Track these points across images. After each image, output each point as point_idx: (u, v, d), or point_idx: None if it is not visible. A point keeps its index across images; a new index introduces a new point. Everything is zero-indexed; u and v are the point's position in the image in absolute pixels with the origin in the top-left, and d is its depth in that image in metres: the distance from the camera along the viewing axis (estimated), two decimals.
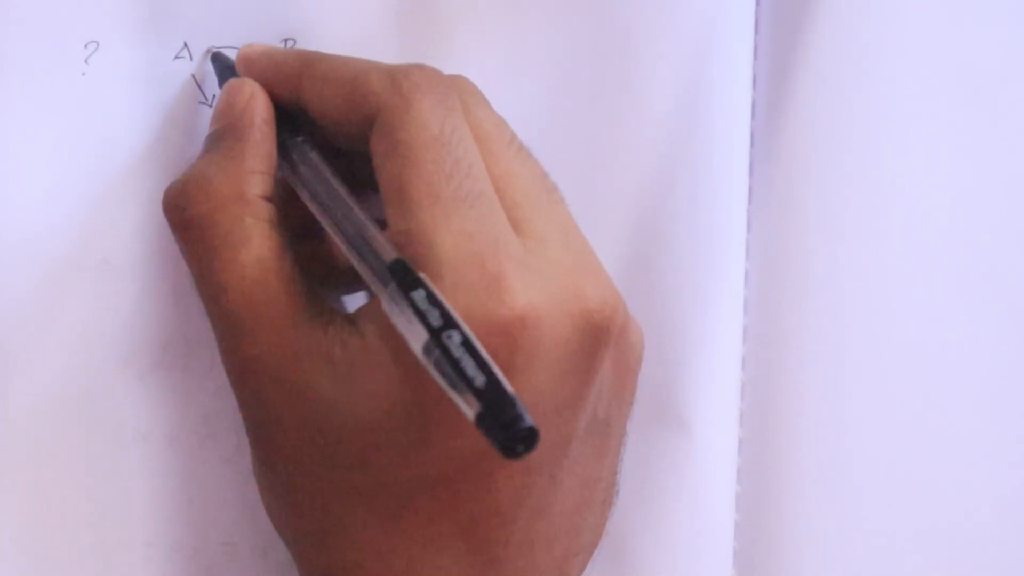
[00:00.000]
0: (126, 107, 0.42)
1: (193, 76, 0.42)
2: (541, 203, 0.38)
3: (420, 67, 0.38)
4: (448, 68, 0.39)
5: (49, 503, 0.42)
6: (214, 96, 0.42)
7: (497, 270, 0.35)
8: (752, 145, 0.48)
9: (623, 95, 0.46)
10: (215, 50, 0.42)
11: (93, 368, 0.42)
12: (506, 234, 0.36)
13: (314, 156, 0.40)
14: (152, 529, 0.43)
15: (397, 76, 0.37)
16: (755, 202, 0.48)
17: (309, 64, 0.40)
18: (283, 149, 0.40)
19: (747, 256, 0.48)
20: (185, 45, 0.42)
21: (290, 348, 0.37)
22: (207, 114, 0.42)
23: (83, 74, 0.41)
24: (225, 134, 0.40)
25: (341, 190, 0.38)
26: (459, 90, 0.38)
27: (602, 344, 0.37)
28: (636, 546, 0.46)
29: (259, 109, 0.40)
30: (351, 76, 0.38)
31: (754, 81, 0.48)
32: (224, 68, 0.42)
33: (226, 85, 0.41)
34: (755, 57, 0.48)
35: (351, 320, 0.37)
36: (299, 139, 0.40)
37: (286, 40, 0.43)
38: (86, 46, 0.41)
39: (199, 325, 0.42)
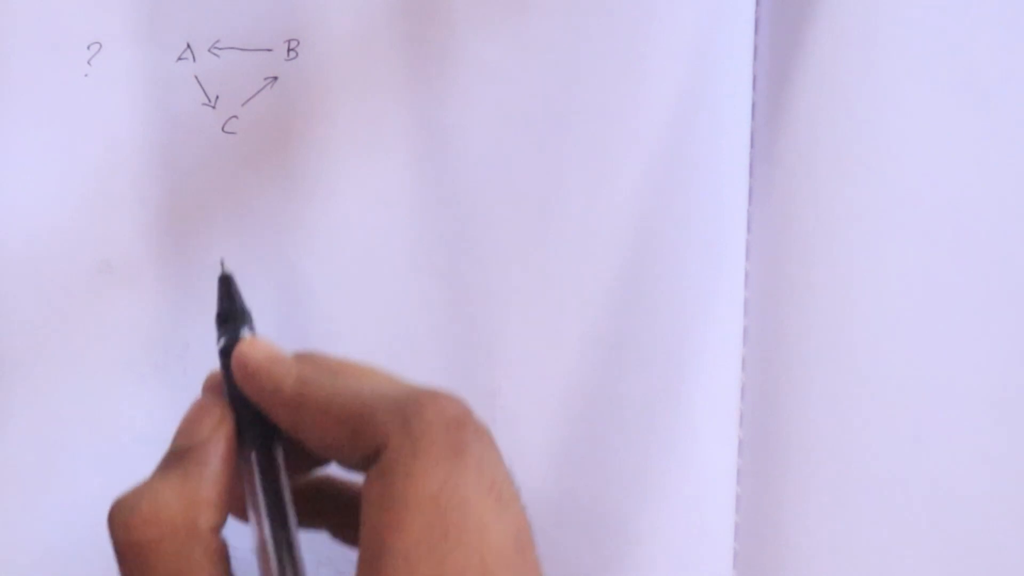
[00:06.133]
0: (128, 108, 0.41)
1: (196, 77, 0.42)
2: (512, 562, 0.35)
3: (434, 398, 0.35)
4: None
5: (49, 504, 0.42)
6: (217, 97, 0.42)
7: None
8: (752, 145, 0.48)
9: (623, 95, 0.46)
10: (224, 273, 0.38)
11: (93, 370, 0.42)
12: None
13: (277, 474, 0.38)
14: None
15: (408, 413, 0.35)
16: (755, 202, 0.48)
17: (308, 392, 0.36)
18: (246, 460, 0.38)
19: (747, 257, 0.48)
20: (188, 46, 0.42)
21: None
22: (210, 115, 0.42)
23: (86, 75, 0.41)
24: (186, 456, 0.37)
25: (292, 519, 0.37)
26: (472, 435, 0.35)
27: None
28: (637, 546, 0.46)
29: (225, 437, 0.37)
30: (356, 411, 0.35)
31: (754, 81, 0.48)
32: (226, 297, 0.38)
33: (197, 403, 0.38)
34: (755, 57, 0.48)
35: None
36: (258, 454, 0.38)
37: (289, 40, 0.43)
38: (89, 47, 0.41)
39: (198, 327, 0.42)
